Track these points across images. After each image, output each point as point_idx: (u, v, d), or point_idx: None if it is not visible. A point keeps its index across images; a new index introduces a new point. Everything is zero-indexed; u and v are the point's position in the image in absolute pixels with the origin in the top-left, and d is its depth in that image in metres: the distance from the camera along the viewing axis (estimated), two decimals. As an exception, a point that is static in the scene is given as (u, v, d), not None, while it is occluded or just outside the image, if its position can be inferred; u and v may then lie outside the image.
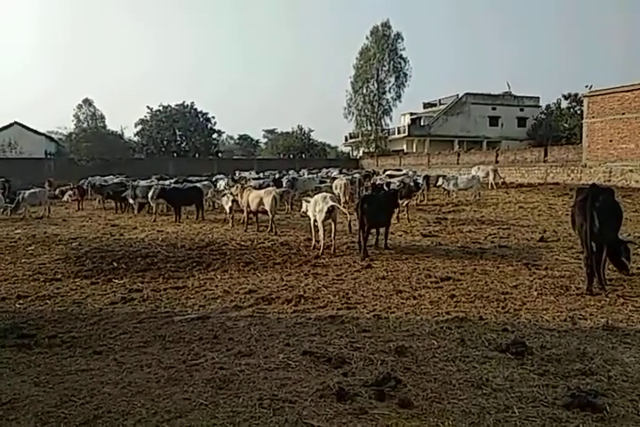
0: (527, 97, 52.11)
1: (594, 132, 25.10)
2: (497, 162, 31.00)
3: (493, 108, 50.47)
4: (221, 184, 18.20)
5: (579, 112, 38.48)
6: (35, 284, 7.18)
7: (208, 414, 3.21)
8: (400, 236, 10.96)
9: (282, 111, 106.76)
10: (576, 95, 47.59)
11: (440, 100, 54.61)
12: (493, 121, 50.43)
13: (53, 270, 8.03)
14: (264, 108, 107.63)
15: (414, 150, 48.01)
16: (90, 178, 22.39)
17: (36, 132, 46.74)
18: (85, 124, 45.82)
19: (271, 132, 60.23)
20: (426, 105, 56.65)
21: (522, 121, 51.06)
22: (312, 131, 54.92)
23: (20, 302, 6.25)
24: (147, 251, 9.54)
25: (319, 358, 4.12)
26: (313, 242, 9.65)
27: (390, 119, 49.83)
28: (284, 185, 16.90)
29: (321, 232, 9.11)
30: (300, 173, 26.32)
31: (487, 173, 24.55)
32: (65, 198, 21.86)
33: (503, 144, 45.27)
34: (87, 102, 46.49)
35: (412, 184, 14.57)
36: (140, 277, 7.45)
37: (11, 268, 8.31)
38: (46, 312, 5.76)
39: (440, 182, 18.78)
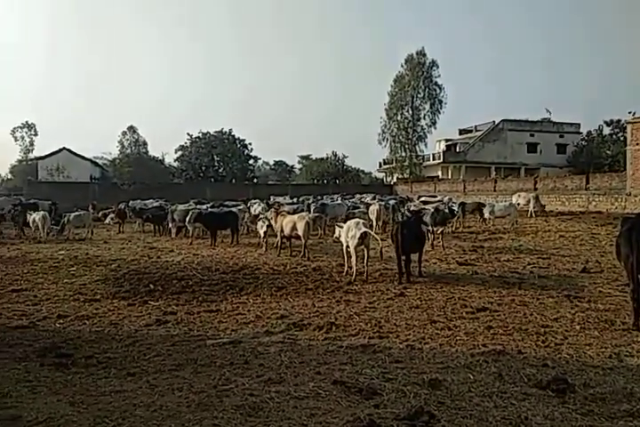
0: (567, 123, 51.18)
1: (638, 159, 24.28)
2: (535, 189, 30.32)
3: (531, 135, 49.73)
4: (256, 209, 18.47)
5: (622, 139, 37.42)
6: (75, 304, 7.40)
7: (237, 442, 3.18)
8: (434, 263, 10.77)
9: (317, 137, 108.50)
10: (619, 121, 46.43)
11: (476, 126, 54.33)
12: (531, 148, 49.61)
13: (93, 291, 8.26)
14: (299, 135, 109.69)
15: (449, 177, 47.59)
16: (131, 202, 23.16)
17: (82, 157, 49.11)
18: (129, 150, 47.85)
19: (306, 157, 61.10)
20: (462, 131, 56.45)
21: (562, 148, 50.02)
22: (346, 157, 55.47)
23: (60, 321, 6.44)
24: (182, 274, 9.71)
25: (350, 389, 4.04)
26: (345, 268, 9.61)
27: (425, 145, 49.92)
28: (312, 211, 16.98)
29: (353, 258, 9.07)
30: (333, 198, 26.45)
31: (528, 201, 23.95)
32: (107, 221, 22.66)
33: (542, 171, 44.32)
34: (131, 129, 48.72)
35: (446, 211, 14.38)
36: (174, 300, 7.57)
37: (53, 287, 8.61)
38: (84, 332, 5.91)
39: (486, 213, 18.32)
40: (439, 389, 4.07)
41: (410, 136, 48.51)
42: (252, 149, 51.71)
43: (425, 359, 4.81)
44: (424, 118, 48.71)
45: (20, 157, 54.66)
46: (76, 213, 17.90)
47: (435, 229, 13.32)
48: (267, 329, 5.95)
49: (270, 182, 57.03)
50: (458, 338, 5.51)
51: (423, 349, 5.14)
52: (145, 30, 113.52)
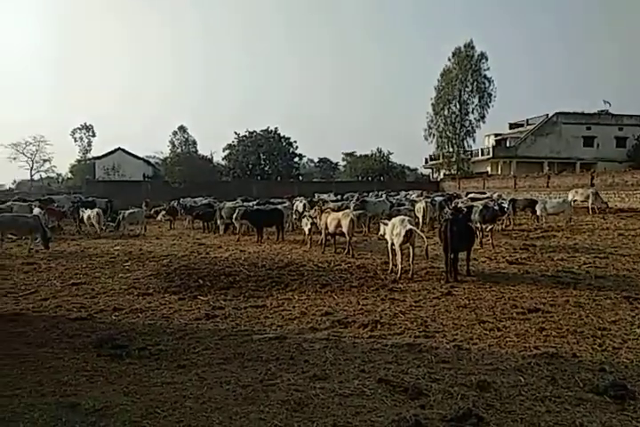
0: (627, 115, 48.29)
1: None
2: (592, 185, 28.82)
3: (588, 128, 47.31)
4: (299, 206, 18.62)
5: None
6: (129, 297, 7.73)
7: (282, 437, 3.22)
8: (483, 262, 10.47)
9: (362, 134, 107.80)
10: (685, 112, 43.38)
11: (528, 120, 52.25)
12: (588, 141, 47.20)
13: (146, 285, 8.60)
14: (344, 132, 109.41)
15: (499, 173, 46.06)
16: (181, 199, 23.91)
17: (136, 157, 51.20)
18: (179, 150, 49.41)
19: (350, 155, 60.88)
20: (512, 125, 54.47)
21: (621, 141, 47.30)
22: (391, 153, 54.81)
23: (116, 314, 6.75)
24: (230, 269, 9.93)
25: (395, 388, 4.01)
26: (390, 266, 9.51)
27: (473, 140, 48.45)
28: (351, 208, 16.88)
29: (398, 256, 8.97)
30: (378, 195, 26.24)
31: (586, 197, 22.78)
32: (159, 218, 23.51)
33: (599, 166, 42.09)
34: (182, 129, 50.26)
35: (496, 208, 13.94)
36: (222, 295, 7.76)
37: (109, 282, 9.03)
38: (138, 325, 6.16)
39: (539, 210, 17.60)
40: (488, 391, 3.96)
41: (457, 131, 47.27)
42: (296, 147, 52.15)
43: (473, 360, 4.69)
44: (472, 113, 47.30)
45: (78, 157, 57.65)
46: (131, 210, 18.69)
47: (484, 226, 12.95)
48: (311, 326, 5.99)
49: (315, 180, 57.27)
50: (508, 339, 5.34)
51: (471, 349, 5.02)
52: (192, 31, 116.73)
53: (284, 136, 51.43)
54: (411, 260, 8.93)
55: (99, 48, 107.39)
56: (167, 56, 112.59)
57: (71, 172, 59.73)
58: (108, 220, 20.13)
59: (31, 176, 60.73)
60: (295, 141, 51.96)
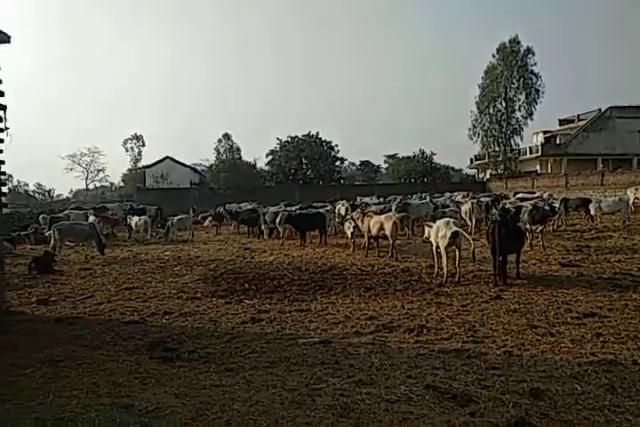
0: (687, 107, 45.32)
1: None
2: (651, 182, 27.21)
3: (645, 122, 44.72)
4: (341, 210, 18.62)
5: None
6: (178, 301, 7.97)
7: (329, 442, 3.21)
8: (534, 265, 10.10)
9: (403, 136, 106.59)
10: None
11: (578, 115, 50.05)
12: (645, 136, 44.62)
13: (194, 289, 8.84)
14: (386, 134, 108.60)
15: (549, 171, 44.33)
16: (227, 205, 24.45)
17: (183, 164, 52.87)
18: (224, 156, 50.56)
19: (392, 156, 60.22)
20: (562, 122, 52.32)
21: (682, 134, 44.41)
22: (434, 154, 53.80)
23: (166, 317, 6.97)
24: (274, 273, 10.05)
25: (443, 394, 3.92)
26: (436, 269, 9.34)
27: (521, 139, 46.83)
28: (393, 210, 16.67)
29: (444, 259, 8.79)
30: (422, 197, 25.84)
31: None
32: (206, 224, 24.12)
33: (659, 161, 39.68)
34: (226, 136, 51.39)
35: (546, 208, 13.42)
36: (267, 299, 7.86)
37: (160, 286, 9.35)
38: (187, 328, 6.34)
39: (593, 210, 16.80)
40: (542, 399, 3.80)
41: (504, 129, 45.85)
42: (338, 151, 52.17)
43: (525, 367, 4.52)
44: (519, 110, 45.75)
45: (129, 166, 60.12)
46: (179, 216, 19.31)
47: (533, 227, 12.49)
48: (356, 330, 5.96)
49: (357, 183, 57.09)
50: (562, 345, 5.11)
51: (523, 356, 4.84)
52: (232, 39, 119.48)
53: (325, 140, 51.62)
54: (457, 263, 8.73)
55: (142, 62, 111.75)
56: (203, 63, 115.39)
57: (123, 180, 62.32)
58: (158, 226, 20.85)
59: (86, 185, 63.90)
60: (337, 145, 52.01)
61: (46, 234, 17.12)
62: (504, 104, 45.66)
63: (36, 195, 60.26)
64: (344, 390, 4.10)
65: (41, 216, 21.61)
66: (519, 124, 46.03)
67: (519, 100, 45.56)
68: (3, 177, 7.96)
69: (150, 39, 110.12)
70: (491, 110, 46.22)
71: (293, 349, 5.32)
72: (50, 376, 4.61)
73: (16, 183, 57.67)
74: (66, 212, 22.73)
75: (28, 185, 62.03)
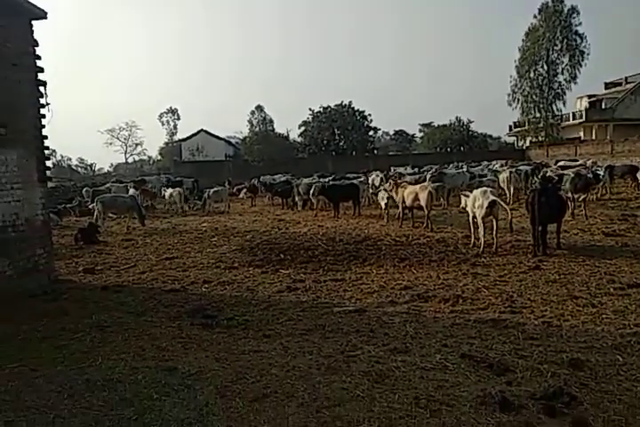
0: None
1: None
2: None
3: (701, 83, 41.66)
4: (375, 180, 18.42)
5: None
6: (217, 271, 8.18)
7: (364, 407, 3.29)
8: (576, 235, 9.78)
9: (439, 103, 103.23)
10: None
11: (626, 77, 46.97)
12: (701, 98, 41.65)
13: (231, 259, 9.04)
14: (420, 102, 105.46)
15: (593, 138, 42.26)
16: (261, 177, 24.60)
17: (218, 137, 53.21)
18: (257, 129, 50.56)
19: (427, 125, 58.64)
20: (608, 85, 49.33)
21: None
22: (471, 122, 52.06)
23: (206, 286, 7.19)
24: (309, 244, 10.14)
25: (479, 363, 3.91)
26: (472, 240, 9.19)
27: (563, 104, 44.50)
28: (427, 180, 16.31)
29: (481, 229, 8.62)
30: (458, 166, 25.21)
31: None
32: (241, 196, 24.43)
33: None
34: (259, 108, 51.23)
35: (589, 176, 12.86)
36: (302, 269, 7.96)
37: (198, 256, 9.61)
38: (225, 296, 6.53)
39: None
40: (581, 370, 3.75)
41: (545, 94, 43.65)
42: (371, 120, 51.17)
43: (564, 338, 4.45)
44: (562, 73, 43.29)
45: (166, 140, 61.04)
46: (215, 189, 19.62)
47: (575, 196, 12.04)
48: (391, 299, 5.99)
49: (391, 153, 56.14)
50: (604, 316, 4.99)
51: (562, 326, 4.75)
52: (268, 11, 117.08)
53: (358, 110, 50.69)
54: (494, 233, 8.55)
55: (174, 34, 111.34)
56: (239, 36, 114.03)
57: (160, 154, 63.45)
58: (195, 198, 21.27)
59: (125, 159, 65.47)
60: (370, 115, 51.01)
61: (90, 206, 17.77)
62: (546, 68, 43.28)
63: (79, 169, 62.28)
64: (379, 357, 4.16)
65: (84, 189, 22.38)
66: (562, 89, 43.66)
67: (562, 62, 43.06)
68: (47, 151, 8.24)
69: (185, 10, 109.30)
70: (531, 74, 43.94)
71: (328, 317, 5.40)
72: (98, 341, 4.87)
73: (59, 158, 59.64)
74: (107, 185, 23.44)
75: (70, 160, 64.11)
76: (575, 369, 3.76)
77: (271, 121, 51.48)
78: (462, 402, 3.29)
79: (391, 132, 68.60)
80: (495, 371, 3.76)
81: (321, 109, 50.72)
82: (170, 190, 19.67)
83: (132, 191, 18.91)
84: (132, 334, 5.04)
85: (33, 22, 7.71)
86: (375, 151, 52.50)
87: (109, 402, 3.52)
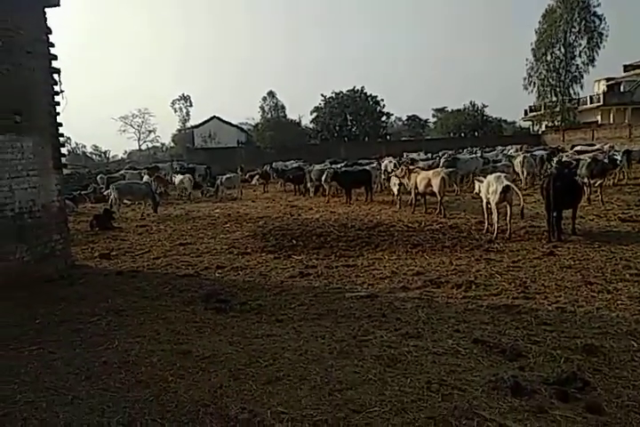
0: None
1: None
2: None
3: None
4: (388, 166, 18.29)
5: None
6: (230, 256, 8.25)
7: (377, 390, 3.31)
8: (591, 220, 9.65)
9: (452, 88, 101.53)
10: None
11: (647, 59, 45.68)
12: None
13: (244, 245, 9.10)
14: (433, 87, 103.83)
15: (611, 122, 41.33)
16: (274, 163, 24.59)
17: (230, 124, 53.13)
18: (269, 115, 50.34)
19: (441, 110, 57.86)
20: (627, 67, 47.89)
21: None
22: (486, 106, 51.22)
23: (219, 271, 7.25)
24: (321, 230, 10.15)
25: (492, 348, 3.91)
26: (485, 225, 9.12)
27: (580, 87, 43.44)
28: (441, 165, 16.13)
29: (495, 215, 8.54)
30: (472, 151, 24.88)
31: None
32: (253, 182, 24.49)
33: None
34: (271, 94, 50.92)
35: (606, 161, 12.62)
36: (315, 255, 7.99)
37: (211, 242, 9.69)
38: (239, 281, 6.59)
39: None
40: (595, 355, 3.72)
41: (562, 78, 42.62)
42: (384, 106, 50.64)
43: (578, 323, 4.42)
44: (579, 56, 42.14)
45: (178, 127, 61.14)
46: (227, 175, 19.68)
47: (592, 181, 11.84)
48: (403, 285, 5.99)
49: (403, 138, 55.59)
50: (619, 302, 4.93)
51: (576, 312, 4.72)
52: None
53: (370, 95, 50.15)
54: (508, 218, 8.47)
55: (183, 21, 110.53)
56: (245, 21, 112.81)
57: (173, 141, 63.67)
58: (208, 185, 21.38)
59: (139, 146, 65.86)
60: (382, 100, 50.47)
61: (104, 193, 17.97)
62: (563, 50, 42.19)
63: (93, 156, 62.82)
64: (391, 342, 4.18)
65: (99, 176, 22.62)
66: (579, 72, 42.59)
67: (580, 45, 41.90)
68: (61, 139, 8.30)
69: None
70: (548, 57, 42.89)
71: (341, 302, 5.42)
72: (115, 324, 4.96)
73: (74, 145, 60.17)
74: (121, 172, 23.65)
75: (85, 147, 64.66)
76: (589, 355, 3.73)
77: (283, 107, 51.19)
78: (474, 387, 3.29)
79: (404, 118, 67.77)
80: (508, 356, 3.76)
81: (333, 95, 50.28)
82: (179, 177, 19.80)
83: (145, 178, 19.06)
84: (147, 318, 5.12)
85: (46, 10, 7.71)
86: (388, 137, 52.03)
87: (126, 384, 3.60)
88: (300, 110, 71.60)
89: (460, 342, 4.08)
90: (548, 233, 8.07)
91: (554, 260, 6.79)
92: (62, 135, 8.27)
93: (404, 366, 3.67)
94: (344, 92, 50.12)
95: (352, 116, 49.82)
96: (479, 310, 4.90)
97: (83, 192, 20.03)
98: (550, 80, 43.12)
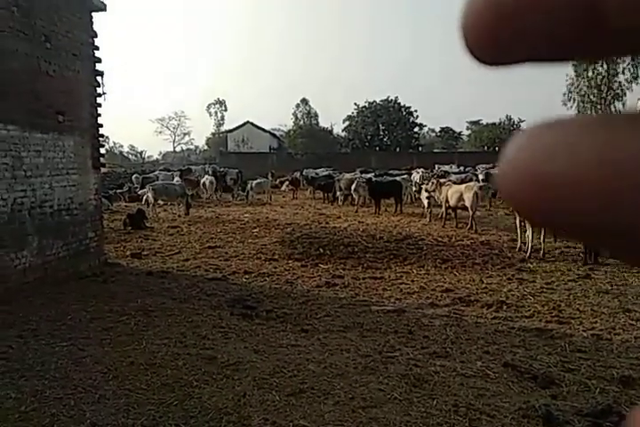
0: None
1: None
2: None
3: None
4: (416, 177, 18.15)
5: None
6: (257, 262, 8.29)
7: (402, 410, 3.24)
8: (630, 243, 9.29)
9: (489, 102, 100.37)
10: None
11: (698, 77, 44.07)
12: None
13: (272, 251, 9.14)
14: (468, 99, 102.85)
15: (655, 141, 39.88)
16: (305, 171, 24.71)
17: (263, 129, 53.83)
18: (302, 122, 50.78)
19: (475, 123, 57.26)
20: (675, 85, 46.41)
21: None
22: (522, 121, 50.38)
23: (246, 276, 7.29)
24: (348, 240, 10.10)
25: (523, 374, 3.79)
26: (518, 243, 8.89)
27: (622, 105, 42.30)
28: (481, 179, 15.89)
29: (529, 233, 8.32)
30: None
31: None
32: (283, 188, 24.64)
33: None
34: (304, 102, 51.42)
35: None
36: (342, 264, 7.95)
37: (240, 246, 9.76)
38: (265, 288, 6.60)
39: None
40: (633, 388, 3.56)
41: (603, 94, 41.58)
42: (417, 117, 50.43)
43: (615, 352, 4.24)
44: (622, 73, 41.11)
45: (213, 131, 62.34)
46: (258, 180, 19.89)
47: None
48: (431, 301, 5.88)
49: (436, 150, 55.15)
50: (660, 333, 4.71)
51: (613, 340, 4.53)
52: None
53: (404, 105, 50.00)
54: (542, 237, 8.24)
55: (222, 26, 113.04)
56: (281, 29, 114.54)
57: (207, 144, 64.90)
58: (239, 189, 21.65)
59: (174, 148, 67.41)
60: (416, 110, 50.27)
61: (139, 192, 18.40)
62: (605, 66, 41.22)
63: (130, 156, 64.60)
64: (417, 360, 4.10)
65: (134, 176, 23.17)
66: (622, 89, 41.39)
67: (623, 61, 40.82)
68: (101, 139, 8.56)
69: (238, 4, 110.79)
70: (589, 73, 41.91)
71: (367, 315, 5.36)
72: (143, 324, 5.03)
73: (112, 144, 62.06)
74: (155, 172, 24.18)
75: (122, 147, 66.59)
76: (626, 387, 3.57)
77: (316, 115, 51.59)
78: (504, 413, 3.19)
79: (437, 129, 67.29)
80: (540, 383, 3.63)
81: (366, 104, 50.36)
82: (204, 178, 20.14)
83: (176, 180, 19.43)
84: (174, 320, 5.18)
85: (93, 14, 8.00)
86: (420, 148, 51.71)
87: (152, 386, 3.63)
88: (333, 119, 72.09)
89: (490, 365, 3.97)
90: (584, 254, 7.81)
91: (590, 283, 6.56)
92: (102, 136, 8.53)
93: (430, 387, 3.59)
94: (377, 101, 50.17)
95: (384, 126, 49.76)
96: (510, 333, 4.76)
97: (118, 191, 20.56)
98: (591, 97, 42.11)
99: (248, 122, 53.29)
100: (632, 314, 5.27)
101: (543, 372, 3.78)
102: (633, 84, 41.29)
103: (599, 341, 4.53)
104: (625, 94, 41.95)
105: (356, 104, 50.79)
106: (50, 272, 6.84)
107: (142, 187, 19.01)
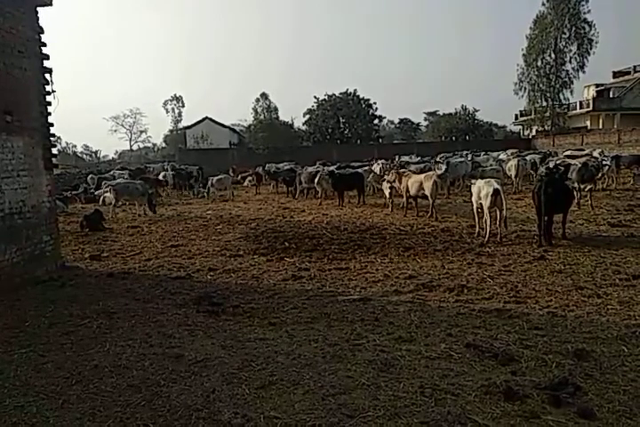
0: None
1: None
2: None
3: None
4: (375, 169, 18.37)
5: None
6: (222, 258, 8.22)
7: (370, 395, 3.31)
8: (581, 225, 9.75)
9: (444, 92, 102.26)
10: None
11: (635, 66, 46.27)
12: None
13: (236, 247, 9.07)
14: (426, 91, 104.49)
15: (600, 127, 41.84)
16: (267, 165, 24.53)
17: (222, 125, 52.96)
18: (262, 117, 50.26)
19: (432, 114, 58.32)
20: (616, 74, 48.58)
21: None
22: (477, 111, 51.61)
23: (211, 273, 7.22)
24: (313, 233, 10.15)
25: (484, 353, 3.93)
26: (477, 229, 9.17)
27: (570, 93, 43.93)
28: (444, 167, 16.27)
29: (486, 219, 8.60)
30: (463, 156, 25.00)
31: None
32: (245, 183, 24.42)
33: None
34: (264, 96, 50.82)
35: (596, 166, 12.77)
36: (307, 257, 7.98)
37: (204, 243, 9.64)
38: (231, 284, 6.56)
39: None
40: (586, 360, 3.76)
41: (552, 83, 43.07)
42: (376, 109, 50.82)
43: (569, 328, 4.46)
44: (570, 62, 42.64)
45: (170, 127, 60.87)
46: (219, 176, 19.60)
47: (582, 186, 11.97)
48: (395, 289, 6.00)
49: (395, 142, 55.88)
50: (609, 307, 4.99)
51: (567, 317, 4.76)
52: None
53: (363, 98, 50.31)
54: (499, 222, 8.53)
55: (189, 22, 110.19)
56: (242, 23, 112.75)
57: (165, 141, 63.35)
58: (200, 186, 21.30)
59: (130, 146, 65.47)
60: (375, 103, 50.64)
61: (95, 193, 17.80)
62: (553, 56, 42.67)
63: (84, 156, 62.30)
64: (384, 346, 4.18)
65: (89, 176, 22.40)
66: (569, 78, 43.08)
67: (570, 51, 42.40)
68: (52, 139, 8.22)
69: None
70: (539, 63, 43.34)
71: (333, 305, 5.42)
72: (106, 327, 4.92)
73: (65, 145, 59.65)
74: (112, 172, 23.44)
75: (75, 146, 64.11)
76: (580, 360, 3.77)
77: (276, 109, 51.11)
78: (467, 391, 3.31)
79: (396, 121, 68.12)
80: (500, 361, 3.78)
81: (326, 97, 50.36)
82: (161, 174, 19.84)
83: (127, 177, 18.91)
84: (138, 321, 5.08)
85: (38, 9, 7.64)
86: (380, 140, 52.22)
87: (117, 388, 3.57)
88: (293, 112, 71.76)
89: (453, 347, 4.10)
90: (538, 237, 8.14)
91: (544, 264, 6.85)
92: (53, 135, 8.19)
93: (397, 371, 3.68)
94: (337, 94, 50.24)
95: (344, 119, 49.93)
96: (471, 315, 4.93)
97: (73, 192, 19.84)
98: (541, 85, 43.57)
99: (207, 118, 52.29)
100: (584, 291, 5.55)
101: (503, 350, 3.94)
102: (579, 73, 42.99)
103: (554, 318, 4.75)
104: (572, 83, 43.63)
105: (315, 97, 50.72)
106: (4, 278, 6.55)
107: (98, 187, 18.43)
